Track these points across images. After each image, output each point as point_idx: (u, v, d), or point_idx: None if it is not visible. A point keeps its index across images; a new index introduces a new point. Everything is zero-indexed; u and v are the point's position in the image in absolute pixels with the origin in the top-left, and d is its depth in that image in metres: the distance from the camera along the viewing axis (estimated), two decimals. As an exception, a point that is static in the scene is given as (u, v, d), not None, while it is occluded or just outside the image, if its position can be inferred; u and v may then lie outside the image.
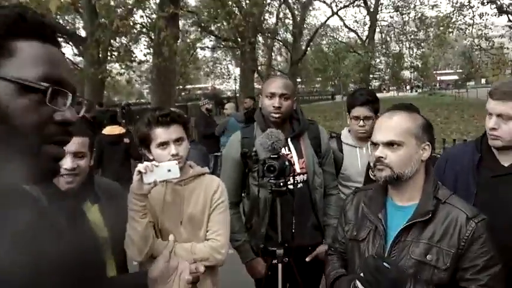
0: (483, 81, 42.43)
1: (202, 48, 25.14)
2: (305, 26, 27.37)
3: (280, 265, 1.97)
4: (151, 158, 1.81)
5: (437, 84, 45.18)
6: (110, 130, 5.25)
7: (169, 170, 1.66)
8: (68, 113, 0.75)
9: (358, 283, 1.38)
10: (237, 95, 25.15)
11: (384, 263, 1.34)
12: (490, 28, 21.14)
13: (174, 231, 1.83)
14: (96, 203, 1.75)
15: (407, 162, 1.41)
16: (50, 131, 0.73)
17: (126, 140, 5.19)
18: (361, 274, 1.37)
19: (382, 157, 1.42)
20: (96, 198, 1.75)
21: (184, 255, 1.78)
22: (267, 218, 2.23)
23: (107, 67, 15.60)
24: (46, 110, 0.72)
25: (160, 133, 1.76)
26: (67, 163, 1.60)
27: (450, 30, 19.91)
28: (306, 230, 2.28)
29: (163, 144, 1.77)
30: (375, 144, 1.47)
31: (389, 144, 1.42)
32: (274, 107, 2.20)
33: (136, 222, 1.69)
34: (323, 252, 2.17)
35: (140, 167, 1.65)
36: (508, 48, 21.88)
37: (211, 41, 24.92)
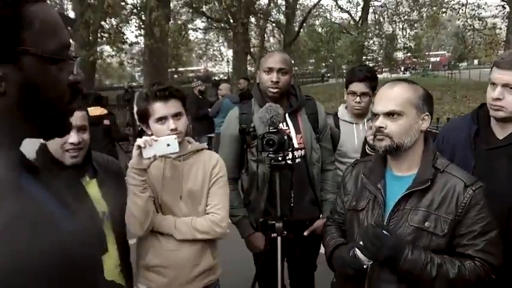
0: (476, 62, 42.48)
1: (194, 30, 24.81)
2: (298, 6, 26.99)
3: (279, 238, 2.00)
4: (150, 133, 1.80)
5: (430, 66, 45.15)
6: (92, 111, 5.30)
7: (168, 145, 1.66)
8: (78, 75, 0.77)
9: (357, 251, 1.41)
10: (230, 77, 24.97)
11: (383, 231, 1.36)
12: (483, 8, 21.08)
13: (174, 206, 1.85)
14: (94, 177, 1.76)
15: (407, 132, 1.43)
16: (69, 95, 0.76)
17: (107, 122, 5.22)
18: (361, 242, 1.40)
19: (382, 127, 1.44)
20: (94, 173, 1.76)
21: (185, 229, 1.80)
22: (265, 193, 2.25)
23: (98, 49, 15.36)
24: (66, 76, 0.74)
25: (159, 108, 1.76)
26: (73, 137, 1.62)
27: (443, 10, 19.83)
28: (304, 205, 2.31)
29: (162, 119, 1.76)
30: (376, 115, 1.48)
31: (390, 114, 1.43)
32: (272, 81, 2.19)
33: (136, 196, 1.69)
34: (320, 226, 2.20)
35: (139, 141, 1.65)
36: (500, 29, 21.90)
37: (203, 22, 24.53)
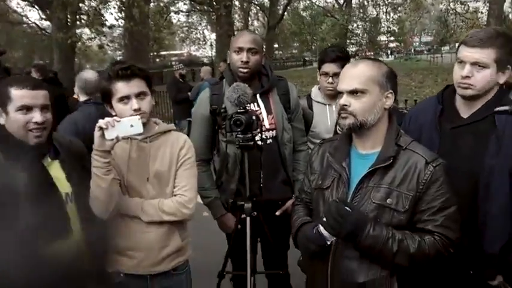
0: (457, 45, 42.80)
1: (176, 12, 24.38)
2: (282, -11, 26.73)
3: (248, 219, 1.99)
4: (113, 114, 1.76)
5: (412, 50, 45.51)
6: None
7: (131, 126, 1.62)
8: None
9: (320, 227, 1.41)
10: (214, 60, 24.69)
11: (345, 207, 1.37)
12: (465, -8, 21.22)
13: (141, 188, 1.82)
14: (56, 158, 1.71)
15: (371, 110, 1.42)
16: None
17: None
18: (324, 219, 1.41)
19: (346, 105, 1.43)
20: (56, 154, 1.71)
21: (152, 211, 1.78)
22: (236, 174, 2.24)
23: (77, 32, 14.94)
24: None
25: (121, 87, 1.71)
26: (37, 117, 1.58)
27: (426, -7, 19.86)
28: (276, 185, 2.30)
29: (125, 99, 1.71)
30: (340, 93, 1.47)
31: (353, 92, 1.43)
32: (242, 61, 2.16)
33: (100, 179, 1.66)
34: (292, 206, 2.21)
35: (101, 122, 1.60)
36: (482, 13, 22.10)
37: (185, 4, 24.10)
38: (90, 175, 1.68)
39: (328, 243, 1.44)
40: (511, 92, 1.70)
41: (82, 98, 3.02)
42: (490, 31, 1.63)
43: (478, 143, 1.66)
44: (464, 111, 1.73)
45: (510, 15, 24.48)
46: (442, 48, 39.12)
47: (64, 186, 1.69)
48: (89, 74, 3.10)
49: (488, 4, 18.51)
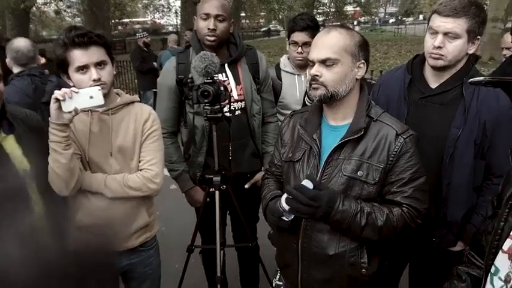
0: (421, 17, 43.60)
1: (138, -23, 23.19)
2: (249, -46, 25.91)
3: (217, 192, 1.96)
4: (71, 84, 1.64)
5: (377, 21, 45.86)
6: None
7: (91, 97, 1.52)
8: None
9: (283, 203, 1.39)
10: (179, 29, 23.87)
11: (309, 187, 1.34)
12: (430, -38, 21.36)
13: (104, 163, 1.73)
14: (11, 133, 1.58)
15: (342, 80, 1.39)
16: None
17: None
18: (283, 200, 1.39)
19: (317, 75, 1.38)
20: (11, 128, 1.58)
21: (116, 187, 1.71)
22: (204, 146, 2.18)
23: (31, -4, 13.96)
24: None
25: (78, 56, 1.58)
26: None
27: (393, -37, 19.85)
28: (245, 158, 2.27)
29: (83, 68, 1.59)
30: (312, 62, 1.42)
31: (325, 61, 1.38)
32: (209, 29, 2.06)
33: (58, 154, 1.55)
34: (261, 178, 2.19)
35: (57, 93, 1.48)
36: (446, -16, 22.35)
37: (147, -32, 22.98)
38: (48, 150, 1.58)
39: (287, 219, 1.42)
40: (475, 65, 1.72)
41: (15, 69, 2.70)
42: (463, 0, 1.61)
43: (445, 113, 1.68)
44: (433, 81, 1.74)
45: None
46: (406, 20, 39.63)
47: (22, 162, 1.58)
48: (21, 43, 2.76)
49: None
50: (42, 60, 4.86)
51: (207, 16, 2.07)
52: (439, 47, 1.61)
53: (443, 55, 1.62)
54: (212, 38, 2.08)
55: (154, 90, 7.18)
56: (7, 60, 2.75)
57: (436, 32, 1.63)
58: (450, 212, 1.72)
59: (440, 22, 1.61)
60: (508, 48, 2.85)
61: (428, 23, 1.70)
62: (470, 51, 1.66)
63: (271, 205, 1.52)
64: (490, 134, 1.64)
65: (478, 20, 1.59)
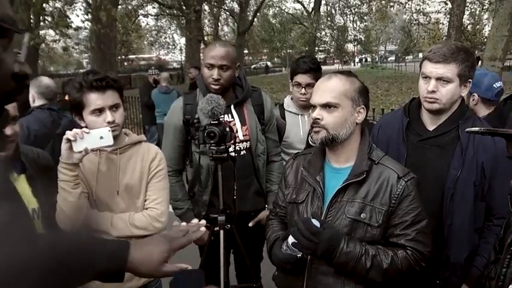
0: (420, 55, 44.58)
1: (145, 16, 23.98)
2: (252, -5, 26.89)
3: (221, 232, 1.97)
4: (83, 125, 1.70)
5: (377, 58, 46.95)
6: None
7: (101, 137, 1.57)
8: (25, 66, 0.61)
9: (289, 243, 1.40)
10: (183, 65, 24.45)
11: (314, 223, 1.36)
12: (427, 4, 22.12)
13: (111, 202, 1.76)
14: (23, 173, 1.62)
15: (343, 124, 1.44)
16: (12, 86, 0.56)
17: None
18: (290, 238, 1.40)
19: (318, 118, 1.44)
20: (22, 168, 1.63)
21: (122, 226, 1.72)
22: (209, 185, 2.21)
23: (41, 33, 14.42)
24: (10, 60, 0.54)
25: (95, 99, 1.64)
26: (6, 129, 1.48)
27: (391, 4, 20.55)
28: (249, 197, 2.29)
29: (98, 111, 1.66)
30: (313, 107, 1.48)
31: (326, 105, 1.44)
32: (213, 79, 2.14)
33: (67, 192, 1.59)
34: (265, 217, 2.20)
35: (69, 134, 1.54)
36: (443, 24, 23.05)
37: (154, 8, 23.77)
38: (57, 189, 1.61)
39: (299, 256, 1.43)
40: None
41: (38, 102, 2.99)
42: (452, 47, 1.69)
43: (444, 155, 1.72)
44: (430, 123, 1.79)
45: (469, 27, 25.67)
46: (406, 57, 40.48)
47: (31, 201, 1.61)
48: (48, 81, 3.10)
49: (448, 16, 19.33)
50: (66, 97, 5.03)
51: (211, 66, 2.15)
52: (433, 91, 1.67)
53: (437, 99, 1.68)
54: (216, 87, 2.15)
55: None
56: (32, 93, 3.01)
57: (428, 77, 1.69)
58: (453, 254, 1.72)
59: (431, 68, 1.68)
60: None
61: (420, 69, 1.77)
62: (463, 94, 1.73)
63: (276, 246, 1.53)
64: (489, 175, 1.67)
65: (468, 64, 1.67)
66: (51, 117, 2.90)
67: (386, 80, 21.03)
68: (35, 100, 3.00)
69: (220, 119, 1.95)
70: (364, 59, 45.09)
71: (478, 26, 28.46)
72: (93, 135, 1.56)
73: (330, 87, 1.45)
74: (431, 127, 1.78)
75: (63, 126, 2.75)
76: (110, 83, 1.67)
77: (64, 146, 1.55)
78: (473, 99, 2.48)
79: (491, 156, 1.66)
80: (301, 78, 2.49)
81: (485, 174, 1.67)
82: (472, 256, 1.72)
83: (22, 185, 1.61)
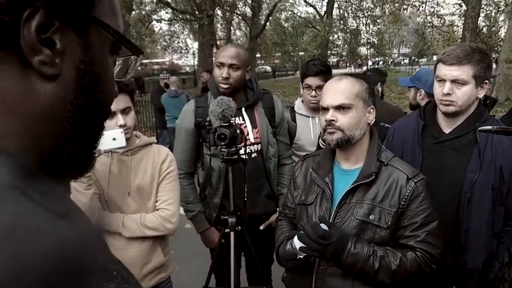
0: (434, 58, 44.11)
1: (158, 21, 24.27)
2: (264, 0, 26.97)
3: (232, 233, 1.97)
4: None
5: (390, 62, 46.64)
6: None
7: (114, 139, 1.60)
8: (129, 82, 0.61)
9: (294, 243, 1.40)
10: (196, 70, 24.63)
11: (321, 226, 1.36)
12: (441, 6, 21.90)
13: (122, 203, 1.78)
14: None
15: (357, 124, 1.44)
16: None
17: None
18: (295, 240, 1.40)
19: (333, 120, 1.44)
20: None
21: (133, 226, 1.74)
22: (221, 188, 2.22)
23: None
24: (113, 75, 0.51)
25: None
26: None
27: (404, 7, 20.41)
28: (260, 200, 2.29)
29: (110, 115, 1.68)
30: (325, 109, 1.48)
31: (340, 107, 1.44)
32: (222, 77, 2.15)
33: (80, 193, 1.62)
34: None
35: None
36: (457, 26, 22.79)
37: (167, 13, 24.04)
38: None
39: (301, 256, 1.43)
40: (494, 107, 1.73)
41: None
42: (466, 48, 1.66)
43: (461, 158, 1.69)
44: (446, 126, 1.76)
45: (484, 29, 25.33)
46: (420, 60, 40.06)
47: None
48: None
49: (463, 18, 19.12)
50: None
51: (222, 65, 2.16)
52: (448, 94, 1.65)
53: (453, 101, 1.66)
54: (225, 86, 2.16)
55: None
56: None
57: (443, 80, 1.67)
58: (470, 259, 1.67)
59: (446, 71, 1.66)
60: None
61: (435, 72, 1.75)
62: (480, 96, 1.70)
63: (284, 244, 1.53)
64: (508, 178, 1.63)
65: (483, 65, 1.64)
66: None
67: (400, 83, 20.79)
68: None
69: (231, 121, 1.96)
70: (377, 63, 44.84)
71: (493, 28, 28.07)
72: (106, 136, 1.58)
73: (342, 89, 1.46)
74: (447, 130, 1.76)
75: None
76: (122, 87, 1.69)
77: None
78: (420, 95, 2.77)
79: (510, 159, 1.63)
80: (312, 81, 2.49)
81: (504, 177, 1.63)
82: (490, 261, 1.68)
83: None
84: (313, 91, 2.49)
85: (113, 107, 1.67)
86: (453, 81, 1.65)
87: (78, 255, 0.38)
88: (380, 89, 3.31)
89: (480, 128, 1.10)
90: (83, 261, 0.38)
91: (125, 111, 1.71)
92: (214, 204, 2.26)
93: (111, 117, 1.69)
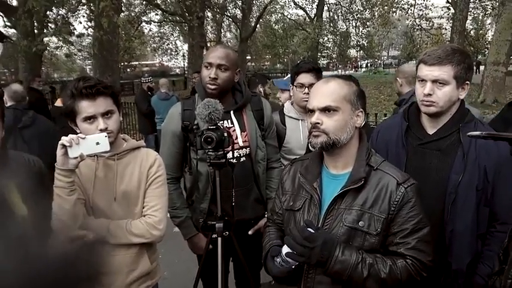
0: (416, 64, 44.39)
1: (147, 22, 24.05)
2: (254, 2, 26.93)
3: (219, 239, 1.93)
4: (78, 131, 1.67)
5: (379, 63, 46.98)
6: (59, 101, 5.35)
7: (97, 143, 1.55)
8: None
9: (283, 255, 1.37)
10: (186, 72, 24.53)
11: (309, 229, 1.32)
12: (430, 9, 22.14)
13: (107, 209, 1.73)
14: (11, 179, 1.60)
15: (343, 128, 1.41)
16: None
17: None
18: (284, 248, 1.37)
19: (318, 123, 1.40)
20: (11, 174, 1.60)
21: (119, 233, 1.70)
22: (209, 193, 2.18)
23: (44, 40, 14.47)
24: None
25: (86, 106, 1.61)
26: None
27: (394, 10, 20.58)
28: (248, 204, 2.26)
29: (90, 118, 1.63)
30: (311, 111, 1.44)
31: (326, 109, 1.40)
32: (210, 77, 2.11)
33: (63, 199, 1.56)
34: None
35: (64, 140, 1.51)
36: (446, 29, 23.05)
37: (157, 14, 23.86)
38: (50, 196, 1.58)
39: (294, 267, 1.40)
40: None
41: (9, 103, 3.75)
42: (447, 49, 1.66)
43: (445, 159, 1.69)
44: (430, 127, 1.76)
45: (472, 32, 25.66)
46: (409, 62, 40.41)
47: (20, 208, 1.58)
48: (16, 86, 4.03)
49: (451, 21, 19.33)
50: (58, 103, 5.20)
51: (210, 65, 2.12)
52: (429, 94, 1.65)
53: (434, 102, 1.66)
54: (213, 87, 2.12)
55: (155, 134, 7.17)
56: (5, 97, 3.81)
57: (424, 80, 1.67)
58: (455, 260, 1.68)
59: (426, 71, 1.66)
60: None
61: (416, 72, 1.74)
62: (462, 96, 1.71)
63: (272, 250, 1.50)
64: (492, 180, 1.63)
65: (464, 65, 1.64)
66: (14, 115, 3.45)
67: (389, 85, 20.96)
68: (7, 102, 3.77)
69: (218, 124, 1.92)
70: (365, 65, 45.16)
71: (481, 31, 28.47)
72: (89, 140, 1.54)
73: (329, 91, 1.42)
74: (431, 131, 1.75)
75: (23, 122, 3.41)
76: (101, 90, 1.63)
77: (59, 151, 1.52)
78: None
79: (494, 159, 1.62)
80: (305, 78, 2.47)
81: (488, 178, 1.63)
82: (474, 263, 1.68)
83: (11, 193, 1.58)
84: (306, 88, 2.46)
85: (93, 111, 1.62)
86: (434, 81, 1.65)
87: None
88: (262, 89, 4.16)
89: (469, 134, 1.09)
90: None
91: (106, 115, 1.65)
92: (202, 210, 2.21)
93: (92, 121, 1.63)
